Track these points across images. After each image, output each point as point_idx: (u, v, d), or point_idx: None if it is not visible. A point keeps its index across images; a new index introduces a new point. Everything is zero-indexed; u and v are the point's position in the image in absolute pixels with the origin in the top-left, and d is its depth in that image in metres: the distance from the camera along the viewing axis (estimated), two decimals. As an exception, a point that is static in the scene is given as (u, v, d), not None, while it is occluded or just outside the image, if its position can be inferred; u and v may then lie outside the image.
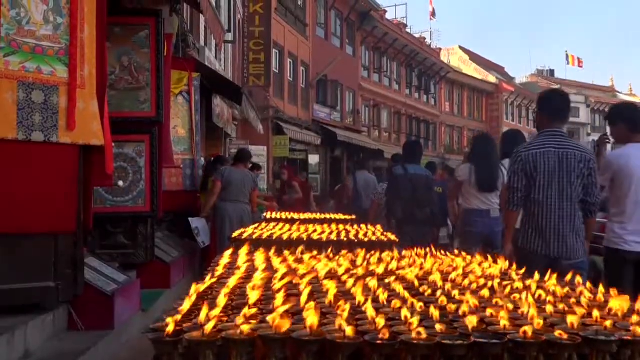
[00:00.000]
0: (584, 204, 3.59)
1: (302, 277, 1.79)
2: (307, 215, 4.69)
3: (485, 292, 1.63)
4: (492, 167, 5.44)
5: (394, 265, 2.14)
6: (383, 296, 1.53)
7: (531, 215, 3.61)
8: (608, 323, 1.30)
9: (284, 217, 4.65)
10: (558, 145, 3.55)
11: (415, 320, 1.26)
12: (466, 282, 1.81)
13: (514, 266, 2.14)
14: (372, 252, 2.42)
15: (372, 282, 1.71)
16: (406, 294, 1.57)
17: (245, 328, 1.21)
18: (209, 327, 1.21)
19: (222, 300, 1.41)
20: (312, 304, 1.36)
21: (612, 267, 3.93)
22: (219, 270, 1.97)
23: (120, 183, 5.43)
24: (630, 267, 3.78)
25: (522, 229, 3.69)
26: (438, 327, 1.25)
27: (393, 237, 3.06)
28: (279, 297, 1.44)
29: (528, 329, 1.21)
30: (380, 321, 1.26)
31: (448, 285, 1.74)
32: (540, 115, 3.79)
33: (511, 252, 3.66)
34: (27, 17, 3.45)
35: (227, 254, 2.32)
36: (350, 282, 1.71)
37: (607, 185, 3.97)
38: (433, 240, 6.19)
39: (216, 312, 1.33)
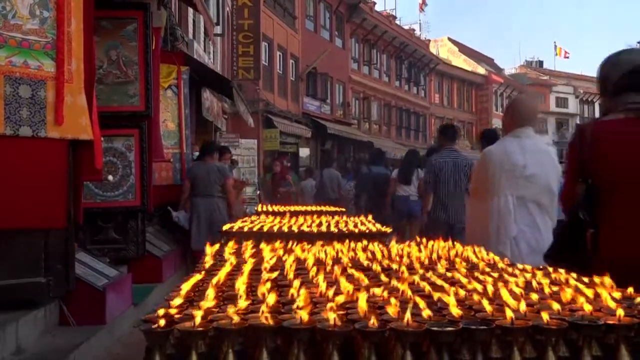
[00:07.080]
0: (468, 190, 5.30)
1: (291, 267, 1.80)
2: (297, 207, 4.72)
3: (475, 283, 1.64)
4: (409, 170, 8.46)
5: (380, 255, 2.16)
6: (372, 287, 1.55)
7: (438, 199, 5.93)
8: (590, 307, 1.32)
9: (275, 209, 4.66)
10: (453, 157, 6.03)
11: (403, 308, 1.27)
12: (448, 274, 1.82)
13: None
14: (361, 243, 2.43)
15: (359, 274, 1.73)
16: (400, 285, 1.58)
17: (236, 318, 1.22)
18: (200, 318, 1.22)
19: (212, 292, 1.42)
20: (303, 293, 1.38)
21: None
22: (209, 262, 1.99)
23: (110, 178, 5.42)
24: None
25: (433, 206, 6.01)
26: (426, 313, 1.26)
27: (384, 229, 3.08)
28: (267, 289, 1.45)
29: (514, 314, 1.23)
30: (366, 307, 1.27)
31: (435, 273, 1.76)
32: (442, 139, 6.40)
33: (427, 220, 6.16)
34: (13, 11, 3.42)
35: (216, 246, 2.32)
36: (338, 272, 1.73)
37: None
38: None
39: (207, 303, 1.33)
